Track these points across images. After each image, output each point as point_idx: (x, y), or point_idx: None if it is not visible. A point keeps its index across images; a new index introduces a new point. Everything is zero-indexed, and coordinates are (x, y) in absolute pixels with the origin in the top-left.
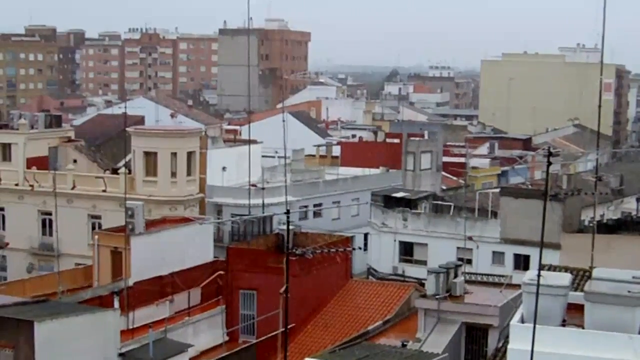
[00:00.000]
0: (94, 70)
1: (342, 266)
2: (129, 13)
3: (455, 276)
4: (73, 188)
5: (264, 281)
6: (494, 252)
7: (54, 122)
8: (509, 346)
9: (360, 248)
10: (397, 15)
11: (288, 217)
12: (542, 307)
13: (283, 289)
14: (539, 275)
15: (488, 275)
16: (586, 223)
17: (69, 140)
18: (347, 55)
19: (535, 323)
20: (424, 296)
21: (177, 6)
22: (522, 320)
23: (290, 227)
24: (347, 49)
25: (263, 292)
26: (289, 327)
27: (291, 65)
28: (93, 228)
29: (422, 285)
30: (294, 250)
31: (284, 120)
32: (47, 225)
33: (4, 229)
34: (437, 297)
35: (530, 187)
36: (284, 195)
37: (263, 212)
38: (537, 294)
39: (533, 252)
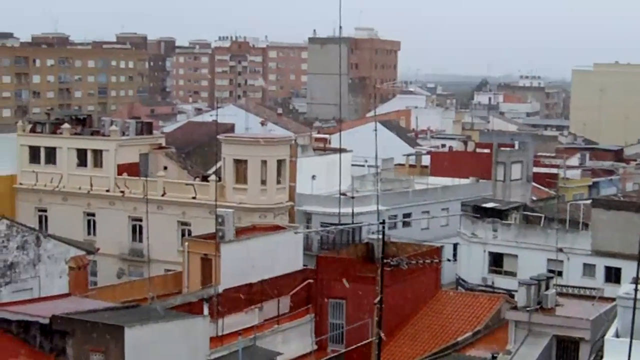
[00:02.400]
0: (184, 77)
1: (432, 276)
2: (219, 21)
3: (547, 288)
4: (163, 195)
5: (354, 290)
6: (584, 264)
7: (145, 129)
8: None
9: (449, 260)
10: (487, 24)
11: (383, 228)
12: (638, 322)
13: (377, 299)
14: (635, 290)
15: (579, 287)
16: None
17: (160, 147)
18: (436, 64)
19: (632, 338)
20: (515, 308)
21: (267, 14)
22: (617, 335)
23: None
24: (437, 58)
25: (352, 301)
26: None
27: (381, 74)
28: (183, 235)
29: (512, 296)
30: (389, 261)
31: (375, 130)
32: (137, 232)
33: (94, 234)
34: (528, 309)
35: (622, 198)
36: (373, 204)
37: (353, 221)
38: (634, 308)
39: (625, 265)
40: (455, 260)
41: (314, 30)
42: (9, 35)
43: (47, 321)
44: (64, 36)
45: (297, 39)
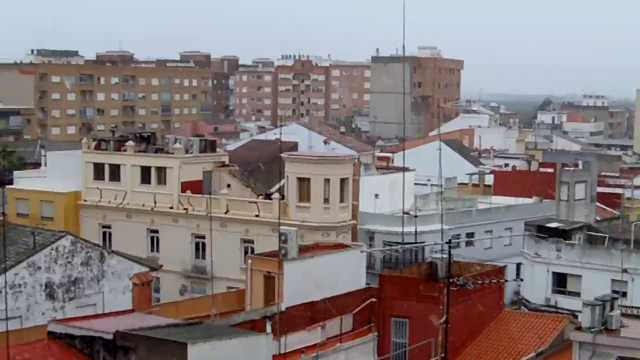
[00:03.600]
0: (247, 96)
1: (496, 296)
2: (282, 40)
3: (611, 309)
4: (226, 212)
5: (417, 309)
6: None
7: (209, 146)
8: None
9: (515, 280)
10: (550, 42)
11: (450, 247)
12: None
13: (443, 319)
14: None
15: None
16: None
17: (223, 165)
18: (499, 83)
19: None
20: (579, 329)
21: (331, 33)
22: None
23: (445, 256)
24: (500, 77)
25: (416, 320)
26: (443, 356)
27: (444, 93)
28: (245, 252)
29: (576, 317)
30: (455, 281)
31: (438, 149)
32: (200, 249)
33: (158, 251)
34: (592, 330)
35: None
36: (436, 224)
37: (416, 240)
38: None
39: None
40: (520, 279)
41: (377, 49)
42: (74, 54)
43: (110, 337)
44: (128, 54)
45: (360, 57)
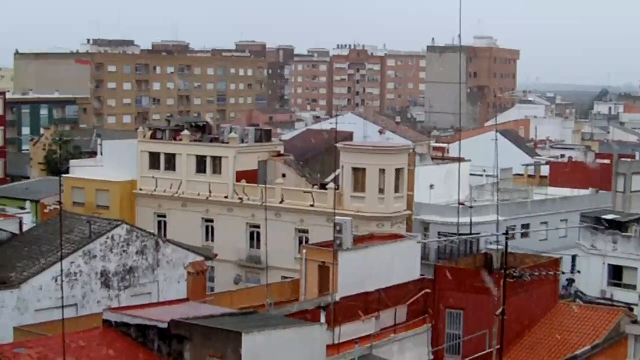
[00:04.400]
0: (302, 86)
1: (551, 288)
2: (338, 30)
3: None
4: (281, 202)
5: (472, 301)
6: None
7: (264, 136)
8: None
9: (572, 272)
10: (606, 33)
11: (506, 239)
12: None
13: (499, 310)
14: None
15: None
16: None
17: (279, 154)
18: (556, 73)
19: None
20: (635, 322)
21: (386, 23)
22: None
23: (500, 247)
24: (556, 67)
25: (470, 312)
26: (498, 348)
27: (499, 83)
28: (300, 242)
29: (632, 310)
30: (511, 272)
31: (494, 139)
32: (255, 238)
33: (213, 240)
34: None
35: None
36: (491, 215)
37: (471, 231)
38: None
39: None
40: (577, 272)
41: (433, 39)
42: (130, 43)
43: (165, 326)
44: (183, 44)
45: (415, 47)
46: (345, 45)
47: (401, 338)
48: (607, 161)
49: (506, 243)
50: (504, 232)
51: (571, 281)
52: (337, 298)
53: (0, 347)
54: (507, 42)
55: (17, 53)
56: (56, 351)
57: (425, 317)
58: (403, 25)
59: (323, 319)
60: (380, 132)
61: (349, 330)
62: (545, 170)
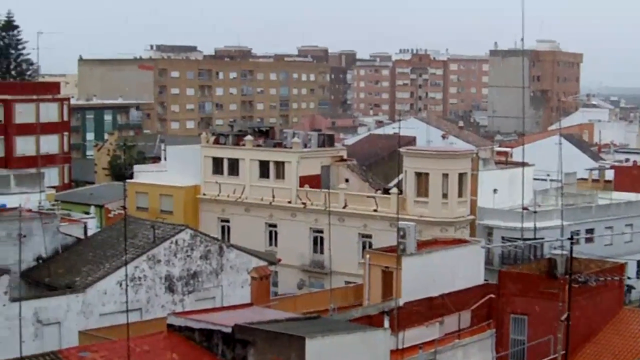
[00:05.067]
0: (365, 90)
1: (616, 294)
2: (400, 34)
3: None
4: (345, 207)
5: (536, 306)
6: None
7: (327, 141)
8: None
9: (638, 278)
10: None
11: (571, 244)
12: None
13: (564, 316)
14: None
15: None
16: None
17: (341, 159)
18: (619, 76)
19: None
20: None
21: (448, 27)
22: None
23: (565, 252)
24: (620, 70)
25: (535, 317)
26: (562, 354)
27: (562, 87)
28: (363, 247)
29: None
30: (576, 277)
31: (558, 143)
32: (318, 243)
33: (276, 245)
34: None
35: None
36: (555, 219)
37: (535, 236)
38: None
39: None
40: (638, 277)
41: (495, 43)
42: (193, 49)
43: (229, 330)
44: (246, 49)
45: (478, 51)
46: (408, 50)
47: (465, 343)
48: None
49: (571, 248)
50: (569, 236)
51: (630, 288)
52: (401, 303)
53: (66, 350)
54: (570, 45)
55: (81, 59)
56: (120, 355)
57: (489, 322)
58: (465, 29)
59: (386, 324)
60: (443, 137)
61: (413, 335)
62: (609, 175)
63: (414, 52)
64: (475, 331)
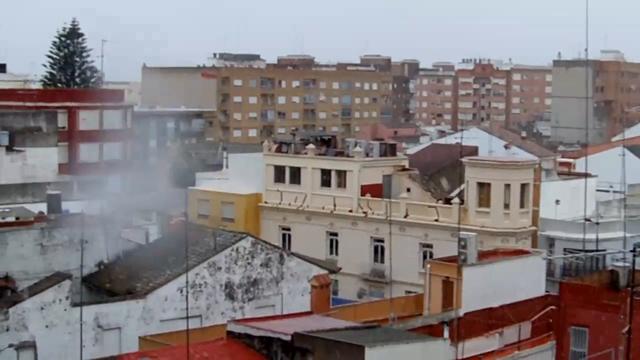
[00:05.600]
0: (427, 100)
1: None
2: (463, 44)
3: None
4: (406, 216)
5: (598, 318)
6: None
7: (389, 150)
8: None
9: None
10: None
11: (634, 256)
12: None
13: (626, 328)
14: None
15: None
16: None
17: (403, 169)
18: None
19: None
20: None
21: (511, 37)
22: None
23: (627, 264)
24: None
25: (596, 329)
26: None
27: (627, 97)
28: (424, 257)
29: None
30: (638, 290)
31: (622, 154)
32: (378, 252)
33: (337, 254)
34: None
35: None
36: (618, 231)
37: (597, 248)
38: None
39: None
40: None
41: (559, 53)
42: (256, 57)
43: (289, 338)
44: (309, 58)
45: (541, 61)
46: (470, 60)
47: (525, 355)
48: None
49: (633, 260)
50: (631, 249)
51: None
52: (461, 313)
53: (125, 356)
54: (635, 55)
55: (144, 67)
56: None
57: (549, 334)
58: (529, 39)
59: (446, 334)
60: (506, 147)
61: (472, 346)
62: None
63: (477, 61)
64: (536, 343)
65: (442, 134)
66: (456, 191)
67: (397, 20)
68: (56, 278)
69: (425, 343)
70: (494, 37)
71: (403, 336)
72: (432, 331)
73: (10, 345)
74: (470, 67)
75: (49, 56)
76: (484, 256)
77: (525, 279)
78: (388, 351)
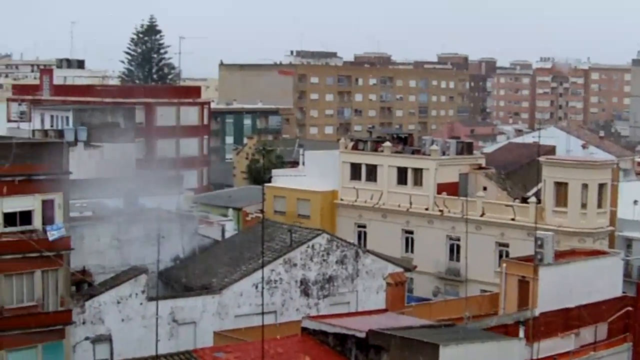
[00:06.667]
0: (504, 98)
1: None
2: (541, 43)
3: None
4: (482, 215)
5: None
6: None
7: (465, 149)
8: None
9: None
10: None
11: None
12: None
13: None
14: None
15: None
16: None
17: (480, 167)
18: None
19: None
20: None
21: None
22: None
23: None
24: None
25: None
26: None
27: None
28: (500, 256)
29: None
30: None
31: None
32: (454, 251)
33: (412, 252)
34: None
35: None
36: None
37: None
38: None
39: None
40: None
41: (638, 52)
42: (333, 55)
43: (363, 335)
44: (385, 56)
45: (620, 60)
46: (548, 58)
47: (601, 356)
48: None
49: None
50: None
51: None
52: (537, 313)
53: (200, 350)
54: None
55: (221, 64)
56: (254, 357)
57: (626, 336)
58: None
59: (521, 334)
60: (584, 147)
61: (548, 346)
62: None
63: (555, 60)
64: (612, 344)
65: (519, 132)
66: (533, 190)
67: (475, 18)
68: (132, 272)
69: (500, 342)
70: (572, 36)
71: (478, 335)
72: (507, 331)
73: (87, 338)
74: (548, 65)
75: (127, 53)
76: (561, 256)
77: (601, 280)
78: (463, 350)
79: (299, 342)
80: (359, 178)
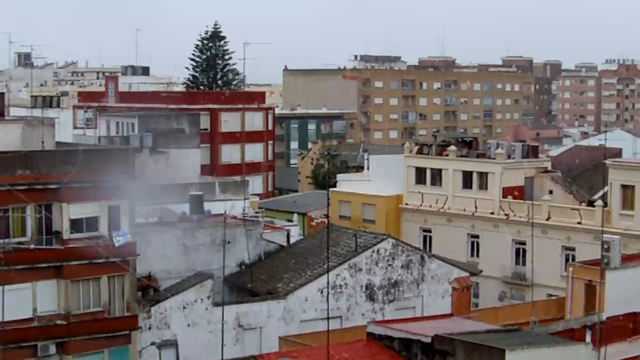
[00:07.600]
0: (569, 101)
1: None
2: (607, 44)
3: None
4: (548, 219)
5: None
6: None
7: (531, 152)
8: None
9: None
10: None
11: None
12: None
13: None
14: None
15: None
16: None
17: (545, 170)
18: None
19: None
20: None
21: None
22: None
23: None
24: None
25: None
26: None
27: None
28: (567, 260)
29: None
30: None
31: None
32: (520, 255)
33: (477, 256)
34: None
35: None
36: None
37: None
38: None
39: None
40: None
41: None
42: (397, 59)
43: (429, 340)
44: (450, 59)
45: None
46: (614, 60)
47: None
48: None
49: None
50: None
51: None
52: (604, 317)
53: (266, 355)
54: None
55: (285, 69)
56: None
57: None
58: None
59: (588, 339)
60: None
61: (615, 351)
62: None
63: (621, 62)
64: None
65: (584, 135)
66: (599, 194)
67: (539, 20)
68: (198, 277)
69: (567, 347)
70: (638, 36)
71: (544, 340)
72: (574, 335)
73: (153, 343)
74: (614, 67)
75: (192, 59)
76: (628, 260)
77: None
78: (529, 355)
79: (364, 347)
80: (424, 182)
